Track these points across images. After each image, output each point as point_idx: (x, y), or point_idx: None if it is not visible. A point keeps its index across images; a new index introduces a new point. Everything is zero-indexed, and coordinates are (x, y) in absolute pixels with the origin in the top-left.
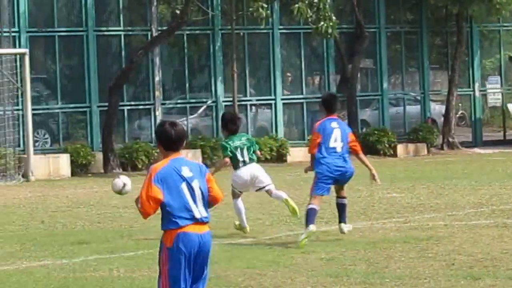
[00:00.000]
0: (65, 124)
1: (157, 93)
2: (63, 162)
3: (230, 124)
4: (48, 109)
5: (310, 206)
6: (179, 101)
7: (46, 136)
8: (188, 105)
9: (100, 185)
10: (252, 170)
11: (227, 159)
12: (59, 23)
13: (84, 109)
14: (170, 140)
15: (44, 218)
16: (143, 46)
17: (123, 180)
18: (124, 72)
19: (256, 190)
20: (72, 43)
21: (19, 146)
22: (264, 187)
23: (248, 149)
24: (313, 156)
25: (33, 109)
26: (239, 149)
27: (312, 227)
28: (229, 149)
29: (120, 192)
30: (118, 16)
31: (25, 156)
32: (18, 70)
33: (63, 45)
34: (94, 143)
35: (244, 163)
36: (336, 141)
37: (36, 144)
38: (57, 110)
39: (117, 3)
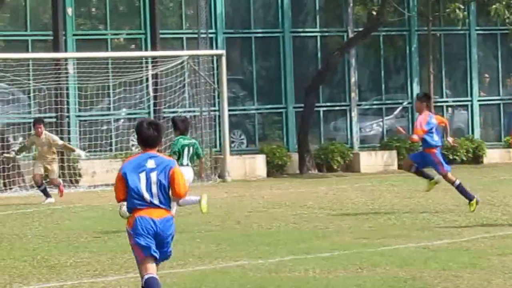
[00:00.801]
0: (261, 125)
1: (353, 94)
2: (259, 162)
3: (180, 123)
4: (244, 110)
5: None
6: (374, 102)
7: (242, 137)
8: (383, 106)
9: (295, 186)
10: (188, 173)
11: (175, 157)
12: (255, 24)
13: (280, 110)
14: (145, 139)
15: (240, 219)
16: (339, 47)
17: None
18: (320, 73)
19: None
20: (269, 44)
21: (215, 147)
22: None
23: (190, 150)
24: None
25: (229, 110)
26: (186, 148)
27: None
28: (178, 146)
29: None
30: (314, 17)
31: (221, 156)
32: (215, 71)
33: (259, 46)
34: (290, 144)
35: (181, 164)
36: None
37: (232, 144)
38: (253, 111)
39: (314, 4)
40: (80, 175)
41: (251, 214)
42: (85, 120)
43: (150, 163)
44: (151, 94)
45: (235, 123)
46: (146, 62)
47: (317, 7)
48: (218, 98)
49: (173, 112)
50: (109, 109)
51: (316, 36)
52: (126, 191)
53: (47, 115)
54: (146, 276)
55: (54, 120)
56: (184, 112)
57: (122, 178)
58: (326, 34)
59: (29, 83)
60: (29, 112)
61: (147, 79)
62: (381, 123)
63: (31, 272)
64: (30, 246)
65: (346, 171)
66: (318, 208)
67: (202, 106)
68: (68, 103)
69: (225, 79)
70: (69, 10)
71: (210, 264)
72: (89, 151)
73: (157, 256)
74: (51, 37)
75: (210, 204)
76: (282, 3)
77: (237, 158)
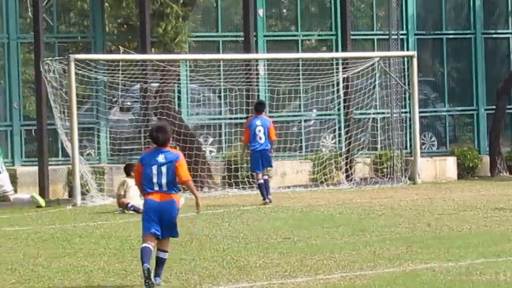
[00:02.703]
0: (452, 127)
1: None
2: (450, 165)
3: None
4: (435, 111)
5: None
6: None
7: (433, 139)
8: None
9: (487, 189)
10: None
11: None
12: (447, 25)
13: (471, 112)
14: (152, 140)
15: (431, 221)
16: None
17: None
18: None
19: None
20: (460, 45)
21: (406, 148)
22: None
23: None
24: None
25: (420, 112)
26: None
27: None
28: None
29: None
30: (506, 19)
31: (412, 158)
32: (406, 73)
33: (451, 47)
34: (481, 146)
35: None
36: None
37: (423, 146)
38: (444, 113)
39: (506, 5)
40: (269, 176)
41: (442, 216)
42: (275, 121)
43: (161, 158)
44: (342, 95)
45: (425, 125)
46: (337, 64)
47: (510, 8)
48: (409, 99)
49: (363, 114)
50: (299, 110)
51: (508, 38)
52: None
53: (238, 116)
54: (142, 245)
55: (244, 121)
56: (374, 113)
57: (140, 168)
58: None
59: (220, 84)
60: (220, 113)
61: (337, 81)
62: None
63: (221, 272)
64: (220, 247)
65: None
66: (509, 210)
67: (393, 108)
68: None
69: (416, 81)
70: (260, 11)
71: (400, 267)
72: (278, 152)
73: (158, 234)
74: (242, 38)
75: (400, 206)
76: (474, 4)
77: (428, 160)
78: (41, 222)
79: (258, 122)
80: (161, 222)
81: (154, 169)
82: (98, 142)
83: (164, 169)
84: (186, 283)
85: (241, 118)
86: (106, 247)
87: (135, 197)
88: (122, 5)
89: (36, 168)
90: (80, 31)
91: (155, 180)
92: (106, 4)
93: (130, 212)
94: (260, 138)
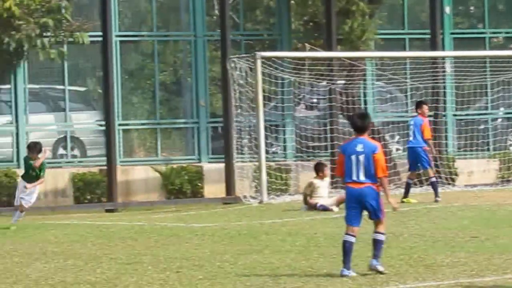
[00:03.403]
0: None
1: None
2: None
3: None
4: None
5: None
6: None
7: None
8: None
9: None
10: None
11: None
12: None
13: None
14: (354, 127)
15: None
16: None
17: None
18: None
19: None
20: None
21: None
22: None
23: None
24: None
25: None
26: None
27: None
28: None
29: None
30: None
31: None
32: None
33: None
34: None
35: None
36: None
37: None
38: None
39: None
40: (456, 174)
41: None
42: (461, 119)
43: (359, 147)
44: None
45: None
46: None
47: None
48: None
49: None
50: (486, 108)
51: None
52: (344, 168)
53: None
54: (344, 238)
55: (431, 119)
56: None
57: (342, 158)
58: None
59: (406, 82)
60: (406, 111)
61: None
62: None
63: (408, 271)
64: (406, 245)
65: None
66: None
67: None
68: (445, 102)
69: None
70: (447, 9)
71: None
72: (465, 150)
73: (356, 225)
74: (428, 36)
75: None
76: None
77: None
78: (228, 219)
79: (411, 122)
80: (365, 207)
81: (353, 158)
82: (284, 140)
83: (362, 158)
84: (372, 281)
85: (428, 116)
86: (292, 244)
87: (322, 197)
88: (308, 2)
89: (222, 165)
90: (266, 29)
91: (354, 169)
92: (292, 1)
93: (320, 210)
94: (410, 136)
